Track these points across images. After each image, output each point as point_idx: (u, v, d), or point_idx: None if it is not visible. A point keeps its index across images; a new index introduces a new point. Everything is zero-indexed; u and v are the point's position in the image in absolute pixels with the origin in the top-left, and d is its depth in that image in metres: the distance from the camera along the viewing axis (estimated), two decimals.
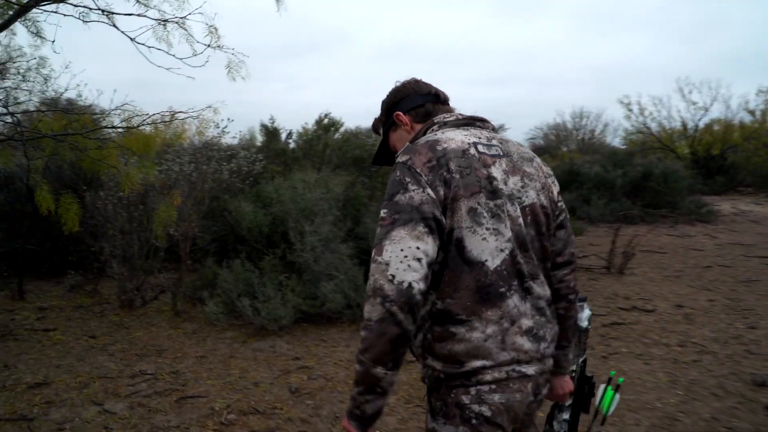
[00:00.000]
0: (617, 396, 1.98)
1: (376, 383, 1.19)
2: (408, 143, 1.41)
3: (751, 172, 18.81)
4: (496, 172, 1.31)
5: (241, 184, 5.75)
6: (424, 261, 1.17)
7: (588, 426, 2.15)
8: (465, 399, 1.25)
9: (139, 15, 3.81)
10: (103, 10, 3.67)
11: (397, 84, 1.55)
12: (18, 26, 3.72)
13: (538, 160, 1.46)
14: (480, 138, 1.37)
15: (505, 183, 1.32)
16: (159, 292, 5.69)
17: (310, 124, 8.13)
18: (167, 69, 4.05)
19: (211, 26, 3.84)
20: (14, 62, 6.03)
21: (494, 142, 1.39)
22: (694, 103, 21.02)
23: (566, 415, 1.78)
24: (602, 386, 2.01)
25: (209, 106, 4.85)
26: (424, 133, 1.43)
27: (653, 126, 21.38)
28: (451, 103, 1.56)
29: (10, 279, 5.80)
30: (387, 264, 1.17)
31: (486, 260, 1.26)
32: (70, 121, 4.66)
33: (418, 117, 1.50)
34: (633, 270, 7.11)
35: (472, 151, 1.32)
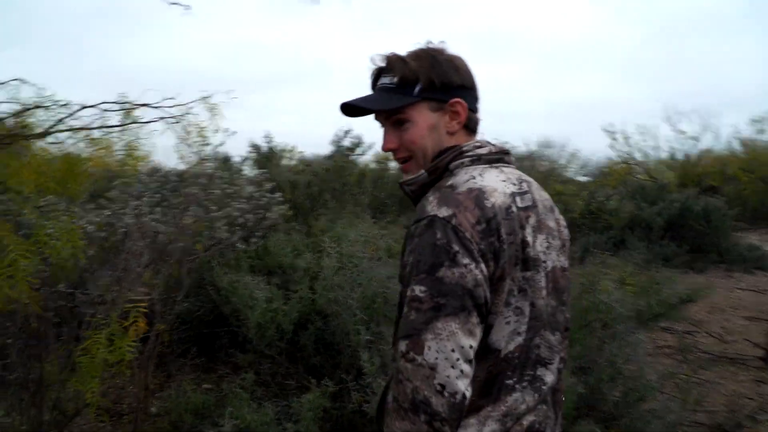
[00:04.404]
0: None
1: None
2: (441, 187, 1.05)
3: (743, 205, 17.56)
4: (529, 233, 1.04)
5: (244, 245, 3.37)
6: (474, 361, 0.95)
7: None
8: None
9: None
10: None
11: (463, 58, 1.10)
12: None
13: (556, 207, 1.16)
14: (515, 184, 1.08)
15: (534, 246, 1.04)
16: None
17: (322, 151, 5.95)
18: None
19: None
20: None
21: (524, 186, 1.10)
22: (683, 132, 19.71)
23: None
24: None
25: (204, 98, 2.67)
26: (449, 163, 1.07)
27: (638, 155, 19.99)
28: None
29: None
30: (432, 368, 0.91)
31: (501, 348, 1.01)
32: None
33: (470, 126, 1.13)
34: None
35: (514, 207, 1.03)
